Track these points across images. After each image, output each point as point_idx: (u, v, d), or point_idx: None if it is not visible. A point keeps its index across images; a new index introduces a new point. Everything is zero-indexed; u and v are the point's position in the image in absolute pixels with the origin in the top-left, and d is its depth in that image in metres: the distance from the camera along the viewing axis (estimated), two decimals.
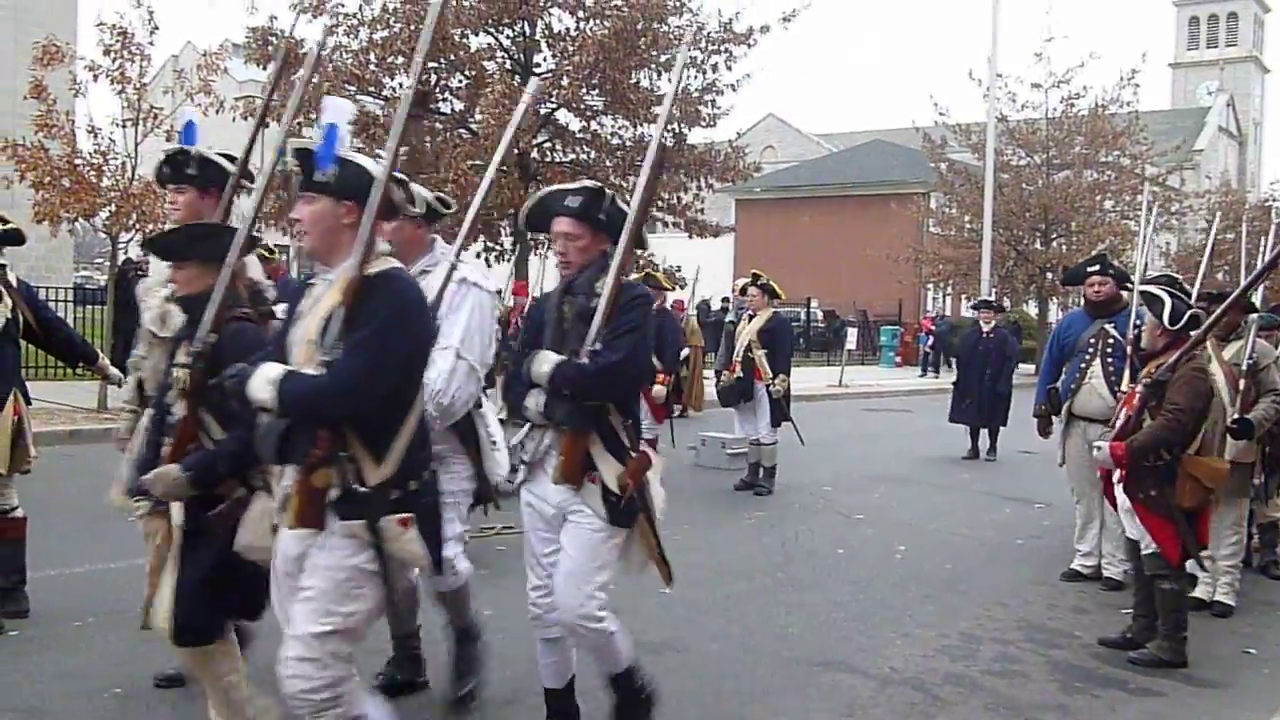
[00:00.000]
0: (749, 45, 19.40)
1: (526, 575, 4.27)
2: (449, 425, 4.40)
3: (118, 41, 15.92)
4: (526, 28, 19.48)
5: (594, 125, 19.92)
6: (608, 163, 19.58)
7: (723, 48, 19.31)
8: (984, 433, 13.76)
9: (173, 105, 16.89)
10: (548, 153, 20.08)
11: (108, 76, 16.27)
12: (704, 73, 19.42)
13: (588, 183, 4.16)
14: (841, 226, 41.69)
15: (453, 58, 18.25)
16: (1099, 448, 5.78)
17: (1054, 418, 7.55)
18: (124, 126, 16.54)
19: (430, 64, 18.54)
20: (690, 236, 20.75)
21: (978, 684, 5.36)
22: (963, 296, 36.59)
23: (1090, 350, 7.23)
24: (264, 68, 18.52)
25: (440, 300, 4.27)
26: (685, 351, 14.68)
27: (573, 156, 20.22)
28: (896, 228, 35.26)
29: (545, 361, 3.94)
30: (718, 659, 5.55)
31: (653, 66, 19.03)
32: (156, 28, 16.35)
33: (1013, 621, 6.47)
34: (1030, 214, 31.02)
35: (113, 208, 15.90)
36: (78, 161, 15.61)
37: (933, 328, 31.22)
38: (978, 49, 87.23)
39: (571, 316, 4.04)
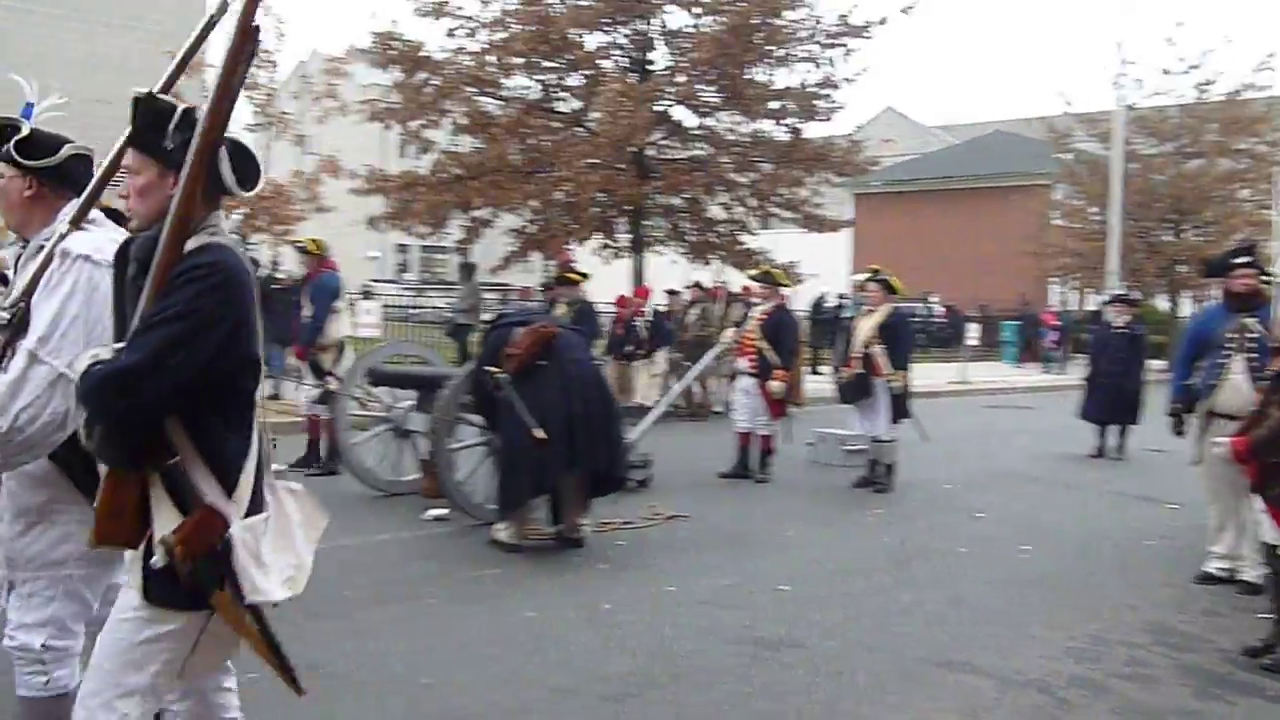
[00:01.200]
0: (866, 38, 19.18)
1: None
2: (44, 459, 3.16)
3: None
4: (642, 25, 19.56)
5: (710, 121, 19.91)
6: (723, 159, 19.54)
7: (839, 41, 19.12)
8: (1112, 430, 13.39)
9: (300, 110, 17.44)
10: (663, 149, 20.14)
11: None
12: (820, 66, 19.28)
13: (142, 90, 2.79)
14: (962, 220, 40.92)
15: (569, 57, 18.42)
16: (1219, 443, 5.59)
17: (1188, 415, 7.32)
18: (254, 132, 17.12)
19: (548, 64, 18.77)
20: (807, 232, 20.60)
21: (1105, 687, 5.22)
22: (1089, 290, 35.61)
23: (1230, 345, 6.97)
24: (386, 71, 18.95)
25: (37, 283, 3.14)
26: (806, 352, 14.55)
27: (689, 153, 20.25)
28: (1019, 220, 34.45)
29: (81, 363, 2.68)
30: (835, 656, 5.51)
31: (769, 61, 18.94)
32: (285, 35, 16.88)
33: (1142, 624, 6.29)
34: (1160, 204, 30.00)
35: (245, 211, 16.49)
36: None
37: (1057, 323, 30.46)
38: (1105, 35, 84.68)
39: (131, 293, 2.78)
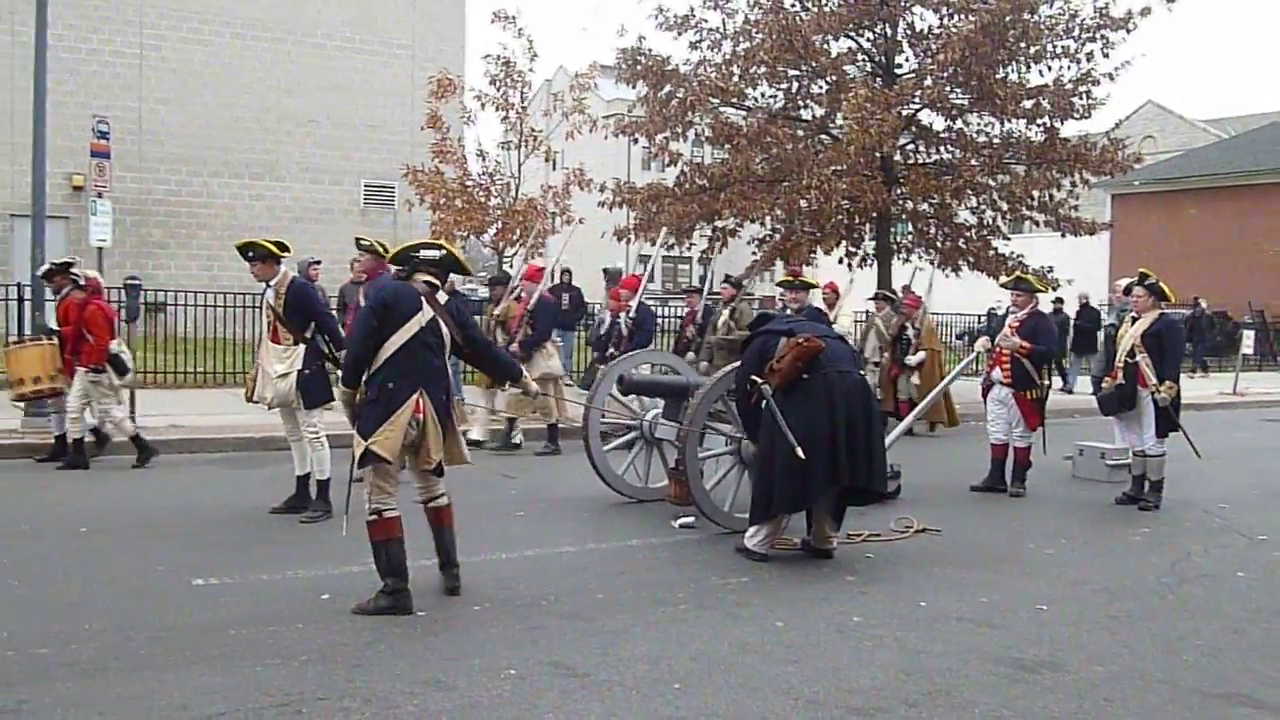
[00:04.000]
0: (1127, 30, 18.19)
1: None
2: None
3: (502, 71, 17.18)
4: (888, 29, 19.20)
5: (959, 124, 19.34)
6: (973, 161, 18.93)
7: (1098, 35, 18.22)
8: None
9: (549, 127, 18.06)
10: (910, 154, 19.70)
11: (493, 104, 17.60)
12: (1078, 62, 18.41)
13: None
14: (1233, 220, 38.30)
15: (814, 64, 18.28)
16: None
17: None
18: (508, 149, 17.83)
19: (792, 71, 18.68)
20: (1063, 235, 19.70)
21: None
22: None
23: None
24: (632, 86, 19.31)
25: None
26: (920, 355, 13.77)
27: (937, 157, 19.73)
28: None
29: None
30: (1103, 683, 5.23)
31: (1022, 60, 18.25)
32: (536, 55, 17.47)
33: None
34: None
35: (499, 224, 17.19)
36: (469, 183, 16.98)
37: None
38: None
39: None
